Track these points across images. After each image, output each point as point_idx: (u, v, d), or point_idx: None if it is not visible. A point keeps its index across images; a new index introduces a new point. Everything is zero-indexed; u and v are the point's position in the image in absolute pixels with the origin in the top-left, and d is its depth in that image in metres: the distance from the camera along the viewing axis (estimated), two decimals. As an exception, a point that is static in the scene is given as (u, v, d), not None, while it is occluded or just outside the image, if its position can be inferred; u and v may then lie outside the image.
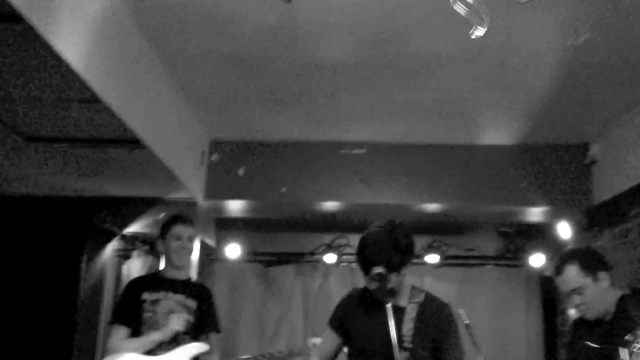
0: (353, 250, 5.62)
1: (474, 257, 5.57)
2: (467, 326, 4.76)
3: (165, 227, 3.19)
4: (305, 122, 4.30)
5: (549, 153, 4.50)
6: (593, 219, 4.38)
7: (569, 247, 2.64)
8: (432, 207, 4.79)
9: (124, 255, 4.63)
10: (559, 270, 2.53)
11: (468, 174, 4.58)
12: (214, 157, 4.61)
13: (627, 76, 3.36)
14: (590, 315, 2.47)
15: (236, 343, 5.43)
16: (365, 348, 2.47)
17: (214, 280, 5.60)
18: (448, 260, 5.50)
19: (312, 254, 5.60)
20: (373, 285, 2.43)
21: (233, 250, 5.42)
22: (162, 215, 4.48)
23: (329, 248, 5.51)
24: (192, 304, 3.13)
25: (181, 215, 3.25)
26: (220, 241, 5.43)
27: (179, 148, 3.98)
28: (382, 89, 3.72)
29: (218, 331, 3.25)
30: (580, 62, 3.21)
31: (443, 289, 5.55)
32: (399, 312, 2.39)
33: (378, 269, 2.30)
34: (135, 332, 3.01)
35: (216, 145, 4.65)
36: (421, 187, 4.63)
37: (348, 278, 5.47)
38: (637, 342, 2.17)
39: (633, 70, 3.29)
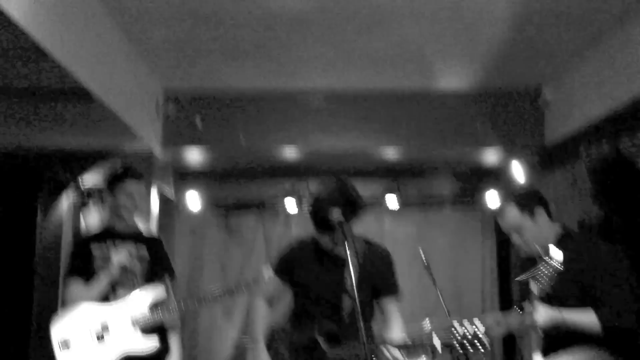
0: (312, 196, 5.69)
1: (431, 200, 5.69)
2: (425, 265, 4.91)
3: (115, 181, 3.13)
4: (262, 70, 4.25)
5: (503, 97, 4.57)
6: (545, 160, 4.51)
7: (511, 188, 2.73)
8: (389, 151, 4.85)
9: (80, 207, 4.56)
10: (499, 212, 2.62)
11: (424, 119, 4.64)
12: (170, 107, 4.53)
13: (578, 20, 3.40)
14: (532, 252, 2.54)
15: (200, 290, 5.49)
16: (312, 296, 2.59)
17: (175, 231, 5.60)
18: (406, 204, 5.61)
19: (272, 200, 5.63)
20: (325, 237, 2.52)
21: (193, 201, 5.40)
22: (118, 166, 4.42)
23: (289, 194, 5.55)
24: (144, 253, 3.15)
25: (131, 169, 3.19)
26: (180, 192, 5.40)
27: (131, 99, 3.89)
28: (338, 37, 3.69)
29: (173, 276, 3.28)
30: (532, 6, 3.23)
31: (402, 232, 5.70)
32: (344, 262, 2.48)
33: (336, 214, 2.37)
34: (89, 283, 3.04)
35: (171, 96, 4.56)
36: (379, 133, 4.67)
37: (309, 223, 5.53)
38: (540, 270, 2.27)
39: (584, 14, 3.32)
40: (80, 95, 3.25)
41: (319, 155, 4.91)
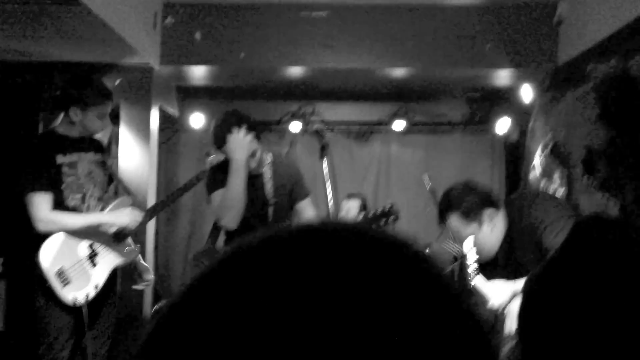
0: (318, 118, 5.58)
1: (440, 124, 5.55)
2: (431, 190, 4.84)
3: (86, 98, 2.97)
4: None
5: (516, 13, 4.33)
6: (556, 81, 4.31)
7: (448, 190, 2.50)
8: (397, 71, 4.69)
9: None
10: (441, 218, 2.45)
11: (433, 36, 4.43)
12: (168, 20, 4.40)
13: None
14: (484, 258, 2.41)
15: (204, 211, 5.52)
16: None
17: (179, 150, 5.58)
18: (414, 127, 5.49)
19: (278, 122, 5.55)
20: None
21: (197, 119, 5.35)
22: (117, 81, 4.36)
23: (295, 116, 5.46)
24: (101, 159, 3.14)
25: (100, 85, 3.03)
26: (184, 110, 5.34)
27: (126, 9, 3.77)
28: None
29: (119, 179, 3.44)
30: None
31: (409, 156, 5.60)
32: (259, 177, 3.04)
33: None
34: (57, 197, 2.93)
35: (169, 8, 4.42)
36: (385, 51, 4.50)
37: (314, 145, 5.46)
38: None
39: None
40: (72, 3, 3.18)
41: (324, 74, 4.77)
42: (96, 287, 2.96)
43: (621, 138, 3.19)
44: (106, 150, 3.24)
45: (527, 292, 0.89)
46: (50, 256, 2.86)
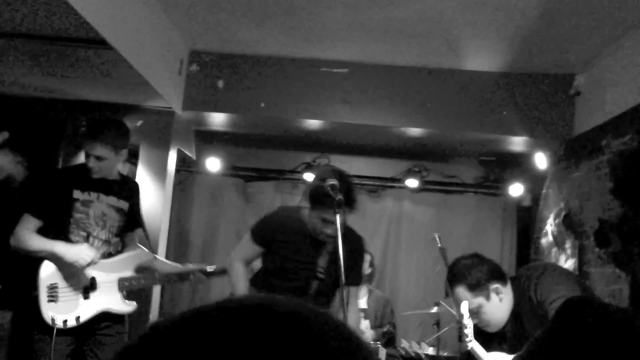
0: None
1: (453, 184, 5.57)
2: (441, 249, 4.82)
3: (84, 140, 3.11)
4: (287, 37, 4.19)
5: (533, 82, 4.40)
6: (571, 151, 4.35)
7: (456, 261, 2.55)
8: (413, 131, 4.75)
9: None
10: (448, 292, 2.49)
11: (450, 99, 4.51)
12: (193, 67, 4.53)
13: (615, 6, 3.23)
14: (493, 329, 2.44)
15: (214, 255, 5.54)
16: (287, 269, 2.64)
17: (193, 191, 5.64)
18: (427, 186, 5.52)
19: (292, 171, 5.61)
20: (316, 213, 2.55)
21: (213, 164, 5.42)
22: (139, 123, 4.46)
23: (310, 167, 5.52)
24: (124, 205, 3.16)
25: (97, 130, 3.03)
26: (201, 154, 5.42)
27: (154, 55, 3.90)
28: (363, 5, 3.60)
29: (144, 228, 3.40)
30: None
31: (421, 214, 5.61)
32: (320, 244, 2.73)
33: (339, 195, 2.44)
34: (62, 229, 2.99)
35: (195, 56, 4.55)
36: (403, 110, 4.57)
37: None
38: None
39: (621, 0, 3.16)
40: (103, 47, 3.28)
41: (341, 128, 4.85)
42: (77, 319, 2.92)
43: (634, 213, 3.20)
44: (122, 184, 3.24)
45: None
46: (51, 269, 2.92)
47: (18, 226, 2.95)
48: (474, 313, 2.39)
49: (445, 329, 4.32)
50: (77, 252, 2.90)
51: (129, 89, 4.04)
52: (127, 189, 3.23)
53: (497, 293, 2.36)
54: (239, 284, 2.81)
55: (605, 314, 0.88)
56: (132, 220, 3.23)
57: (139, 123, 4.44)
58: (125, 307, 3.09)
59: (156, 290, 4.39)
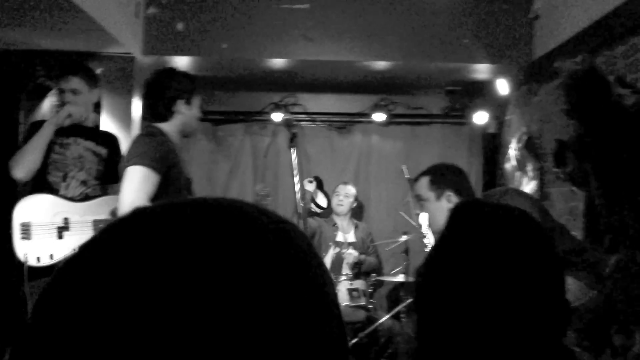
0: (301, 109, 5.66)
1: (420, 116, 5.64)
2: (409, 180, 4.96)
3: (59, 78, 3.15)
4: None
5: (493, 8, 4.41)
6: (530, 75, 4.41)
7: (441, 163, 2.71)
8: (377, 64, 4.76)
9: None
10: (416, 178, 2.61)
11: (412, 30, 4.51)
12: (151, 10, 4.44)
13: None
14: (432, 228, 2.63)
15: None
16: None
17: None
18: (395, 119, 5.58)
19: (260, 112, 5.62)
20: None
21: (180, 109, 5.39)
22: (99, 70, 4.40)
23: (278, 107, 5.53)
24: (102, 151, 3.19)
25: (76, 66, 3.14)
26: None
27: (110, 1, 3.82)
28: None
29: None
30: None
31: (389, 147, 5.70)
32: None
33: None
34: (40, 170, 3.05)
35: (152, -2, 4.46)
36: (366, 44, 4.57)
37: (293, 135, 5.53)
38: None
39: None
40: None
41: (306, 66, 4.84)
42: (51, 256, 2.96)
43: (587, 132, 3.30)
44: (100, 136, 3.29)
45: (420, 269, 0.99)
46: (24, 208, 2.96)
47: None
48: (420, 200, 2.55)
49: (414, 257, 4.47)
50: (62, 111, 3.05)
51: (84, 35, 3.97)
52: (105, 137, 3.31)
53: (448, 201, 2.47)
54: None
55: (492, 212, 0.96)
56: (113, 170, 3.23)
57: (99, 71, 4.38)
58: None
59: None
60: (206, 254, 0.44)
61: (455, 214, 0.98)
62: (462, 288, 0.87)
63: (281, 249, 0.47)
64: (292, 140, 2.53)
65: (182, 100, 2.78)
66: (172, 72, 2.90)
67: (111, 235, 0.47)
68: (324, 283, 0.48)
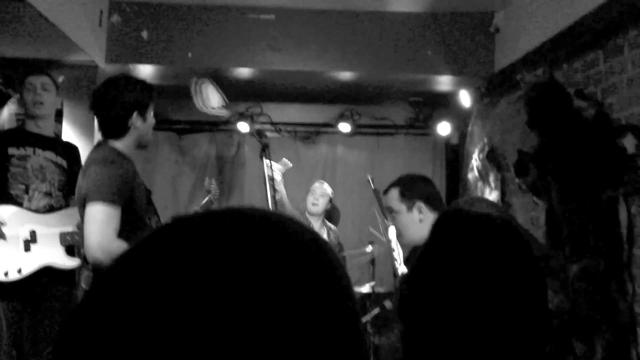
0: (266, 119, 5.66)
1: (384, 127, 5.70)
2: (374, 191, 4.99)
3: (20, 81, 3.15)
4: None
5: (456, 21, 4.50)
6: (492, 87, 4.51)
7: (408, 174, 2.70)
8: (342, 75, 4.80)
9: (23, 120, 4.48)
10: (385, 190, 2.59)
11: (377, 42, 4.57)
12: (114, 18, 4.39)
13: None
14: (403, 240, 2.58)
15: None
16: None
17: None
18: (360, 129, 5.62)
19: (226, 122, 5.59)
20: None
21: (144, 118, 5.33)
22: (60, 79, 4.32)
23: (243, 117, 5.51)
24: (62, 162, 3.14)
25: (34, 66, 3.17)
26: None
27: (70, 6, 3.76)
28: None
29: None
30: None
31: (355, 157, 5.73)
32: None
33: None
34: (2, 186, 2.99)
35: (116, 5, 4.41)
36: (331, 54, 4.60)
37: (259, 145, 5.52)
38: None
39: None
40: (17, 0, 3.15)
41: (272, 75, 4.84)
42: (19, 271, 2.88)
43: (548, 144, 3.38)
44: (60, 147, 3.23)
45: (404, 279, 1.00)
46: None
47: None
48: (391, 212, 2.51)
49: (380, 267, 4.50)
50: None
51: (45, 42, 3.90)
52: (65, 148, 3.25)
53: (420, 212, 2.47)
54: None
55: (476, 221, 0.97)
56: (75, 181, 3.17)
57: (61, 79, 4.29)
58: (68, 261, 3.04)
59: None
60: (251, 265, 0.45)
61: (439, 224, 0.99)
62: (449, 298, 0.88)
63: (321, 263, 0.49)
64: (264, 151, 2.51)
65: (137, 113, 2.49)
66: (125, 81, 2.58)
67: (159, 248, 0.48)
68: (352, 298, 0.50)
